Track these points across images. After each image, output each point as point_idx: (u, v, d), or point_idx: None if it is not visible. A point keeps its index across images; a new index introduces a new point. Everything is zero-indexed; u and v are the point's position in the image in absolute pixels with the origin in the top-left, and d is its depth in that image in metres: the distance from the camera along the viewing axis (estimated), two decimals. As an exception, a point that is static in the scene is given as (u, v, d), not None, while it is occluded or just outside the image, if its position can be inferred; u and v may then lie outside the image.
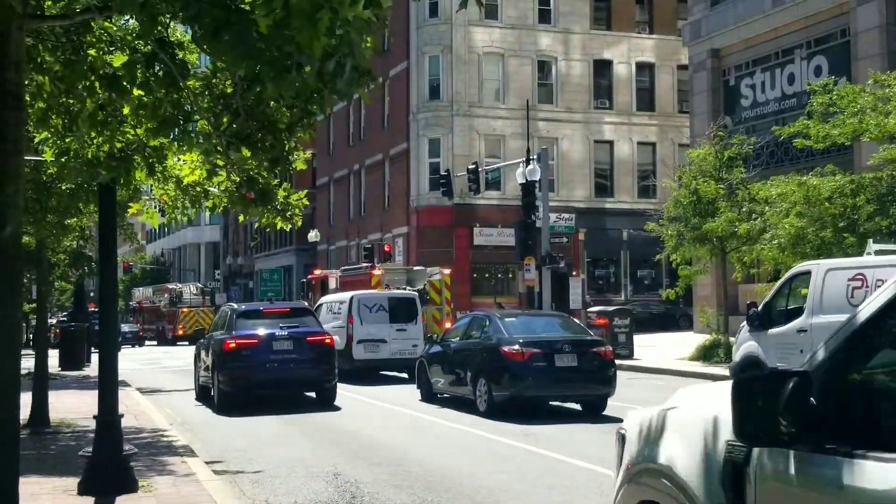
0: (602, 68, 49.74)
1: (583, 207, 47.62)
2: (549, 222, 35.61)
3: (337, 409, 17.83)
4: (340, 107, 56.75)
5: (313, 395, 18.94)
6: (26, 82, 5.76)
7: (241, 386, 17.99)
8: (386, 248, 46.83)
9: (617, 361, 25.38)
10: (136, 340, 56.26)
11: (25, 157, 10.78)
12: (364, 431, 14.43)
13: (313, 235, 58.08)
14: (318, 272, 41.30)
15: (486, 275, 46.75)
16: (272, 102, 5.81)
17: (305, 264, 63.63)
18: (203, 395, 19.79)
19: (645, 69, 50.57)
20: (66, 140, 6.80)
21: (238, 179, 8.02)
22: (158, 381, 25.73)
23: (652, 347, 30.90)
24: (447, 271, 32.07)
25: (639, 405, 14.73)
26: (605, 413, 15.88)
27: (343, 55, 3.63)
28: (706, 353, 25.60)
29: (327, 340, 18.62)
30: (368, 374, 24.22)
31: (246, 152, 6.39)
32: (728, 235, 25.15)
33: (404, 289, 29.37)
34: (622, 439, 4.38)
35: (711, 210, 25.64)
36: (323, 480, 10.38)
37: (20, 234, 4.23)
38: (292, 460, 11.68)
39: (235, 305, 20.55)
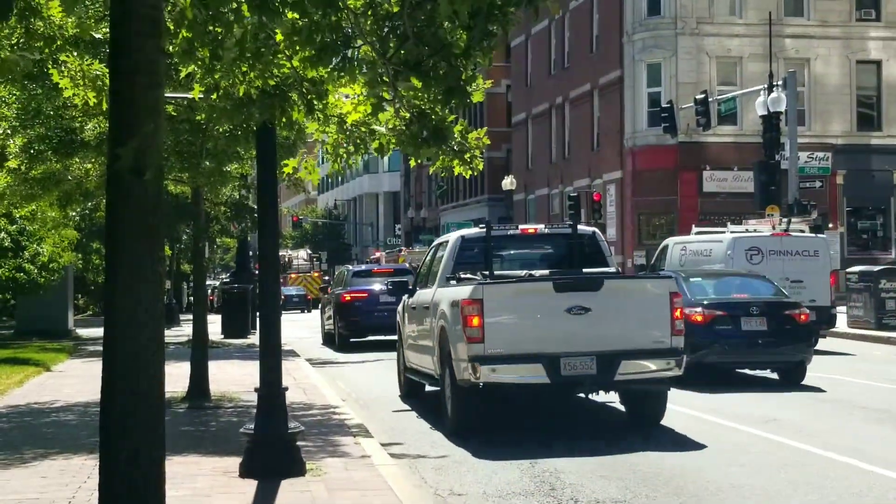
0: (867, -31, 47.61)
1: (841, 144, 45.95)
2: (799, 163, 34.55)
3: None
4: (540, 28, 56.60)
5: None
6: (168, 7, 6.03)
7: (354, 330, 26.85)
8: (595, 198, 46.61)
9: (885, 334, 25.28)
10: (304, 304, 58.05)
11: (173, 95, 11.36)
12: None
13: (508, 183, 58.38)
14: (376, 253, 65.17)
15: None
16: (445, 23, 5.85)
17: (500, 217, 64.13)
18: (328, 339, 28.96)
19: (923, -32, 48.01)
20: (215, 76, 7.07)
21: (407, 116, 8.08)
22: (329, 352, 26.74)
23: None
24: None
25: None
26: (804, 382, 17.22)
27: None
28: None
29: None
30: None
31: (416, 82, 6.46)
32: None
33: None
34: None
35: None
36: (517, 468, 10.53)
37: (161, 179, 4.47)
38: (483, 444, 11.87)
39: (351, 267, 33.94)
